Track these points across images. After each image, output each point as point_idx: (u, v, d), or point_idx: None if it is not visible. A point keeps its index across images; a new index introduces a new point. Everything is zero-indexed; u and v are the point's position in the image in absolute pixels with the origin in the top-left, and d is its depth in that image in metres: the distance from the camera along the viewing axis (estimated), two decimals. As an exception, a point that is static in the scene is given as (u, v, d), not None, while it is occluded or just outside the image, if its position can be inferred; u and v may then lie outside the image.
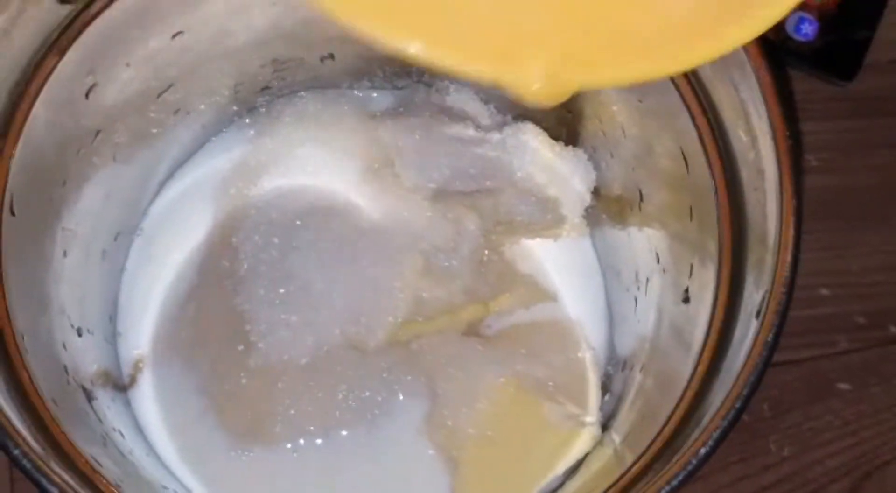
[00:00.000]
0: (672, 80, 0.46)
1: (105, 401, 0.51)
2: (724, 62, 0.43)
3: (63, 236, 0.49)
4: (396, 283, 0.56)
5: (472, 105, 0.59)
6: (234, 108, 0.59)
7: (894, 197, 0.67)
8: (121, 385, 0.55)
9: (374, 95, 0.61)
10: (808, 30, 0.66)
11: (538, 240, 0.59)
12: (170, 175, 0.59)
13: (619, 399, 0.55)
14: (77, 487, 0.38)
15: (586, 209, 0.58)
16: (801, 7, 0.66)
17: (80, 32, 0.44)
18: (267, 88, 0.59)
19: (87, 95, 0.47)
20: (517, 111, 0.60)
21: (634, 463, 0.43)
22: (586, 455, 0.54)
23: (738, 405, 0.38)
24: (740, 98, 0.43)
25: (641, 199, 0.54)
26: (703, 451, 0.38)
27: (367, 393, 0.56)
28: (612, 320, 0.59)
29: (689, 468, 0.38)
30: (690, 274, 0.48)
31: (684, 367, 0.45)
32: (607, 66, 0.31)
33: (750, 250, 0.44)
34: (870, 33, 0.66)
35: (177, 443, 0.55)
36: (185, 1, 0.48)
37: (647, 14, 0.31)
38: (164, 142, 0.56)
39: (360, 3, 0.30)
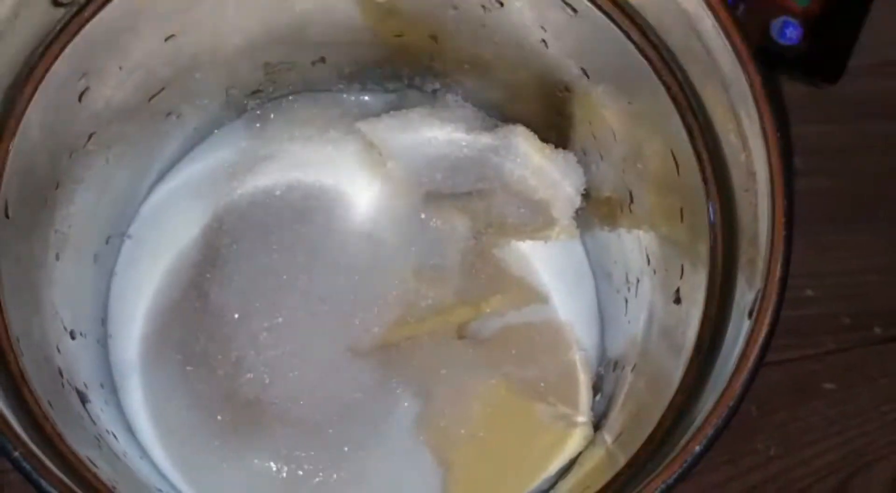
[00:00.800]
0: (662, 82, 0.47)
1: (98, 404, 0.51)
2: (713, 64, 0.44)
3: (56, 239, 0.49)
4: (388, 284, 0.56)
5: (462, 108, 0.59)
6: (226, 111, 0.59)
7: (878, 199, 0.68)
8: (112, 388, 0.55)
9: (366, 98, 0.61)
10: (793, 34, 0.67)
11: (529, 242, 0.59)
12: (160, 177, 0.59)
13: (611, 399, 0.55)
14: (75, 488, 0.38)
15: (577, 211, 0.58)
16: (785, 11, 0.67)
17: (73, 35, 0.44)
18: (259, 91, 0.59)
19: (80, 99, 0.47)
20: (508, 114, 0.60)
21: (627, 463, 0.44)
22: (579, 455, 0.54)
23: (731, 404, 0.39)
24: (731, 100, 0.44)
25: (632, 201, 0.54)
26: (697, 449, 0.39)
27: (359, 395, 0.56)
28: (602, 321, 0.60)
29: (684, 467, 0.39)
30: (681, 275, 0.49)
31: (676, 367, 0.45)
32: None
33: (741, 251, 0.44)
34: (853, 37, 0.67)
35: (167, 447, 0.55)
36: (179, 4, 0.48)
37: None
38: (156, 144, 0.56)
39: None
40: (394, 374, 0.56)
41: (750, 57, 0.41)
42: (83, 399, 0.49)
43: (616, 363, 0.56)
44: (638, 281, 0.54)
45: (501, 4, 0.51)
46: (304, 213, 0.58)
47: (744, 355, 0.39)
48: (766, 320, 0.40)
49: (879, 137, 0.69)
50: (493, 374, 0.56)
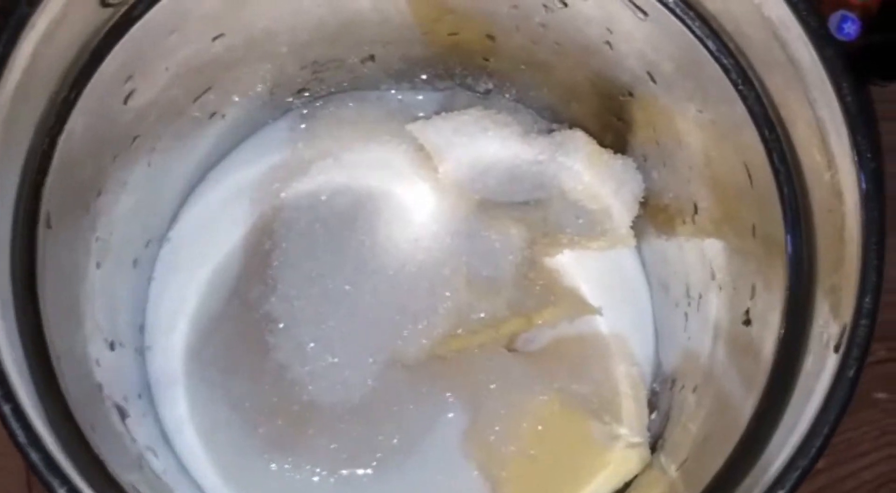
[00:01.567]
0: (739, 92, 0.44)
1: (136, 417, 0.49)
2: (797, 76, 0.41)
3: (97, 247, 0.47)
4: (439, 295, 0.54)
5: (516, 110, 0.57)
6: (270, 110, 0.57)
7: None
8: (150, 399, 0.53)
9: (415, 97, 0.59)
10: (851, 29, 0.64)
11: (583, 251, 0.57)
12: (202, 179, 0.57)
13: (668, 418, 0.53)
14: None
15: (634, 219, 0.56)
16: (843, 5, 0.64)
17: (121, 36, 0.42)
18: (304, 89, 0.57)
19: (125, 101, 0.45)
20: (561, 116, 0.58)
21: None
22: (634, 478, 0.52)
23: (818, 445, 0.37)
24: (816, 115, 0.41)
25: (696, 211, 0.52)
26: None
27: (407, 407, 0.54)
28: (657, 334, 0.57)
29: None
30: (752, 295, 0.46)
31: (746, 395, 0.43)
32: None
33: (823, 276, 0.42)
34: (913, 34, 0.64)
35: (213, 460, 0.53)
36: (228, 3, 0.46)
37: None
38: (199, 145, 0.54)
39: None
40: (442, 387, 0.55)
41: (844, 71, 0.39)
42: (122, 414, 0.47)
43: (674, 381, 0.54)
44: (700, 296, 0.52)
45: (565, 5, 0.48)
46: (351, 219, 0.56)
47: (832, 394, 0.37)
48: (857, 355, 0.37)
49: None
50: (544, 389, 0.54)
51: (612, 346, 0.57)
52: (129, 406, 0.49)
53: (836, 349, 0.39)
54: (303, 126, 0.58)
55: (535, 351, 0.56)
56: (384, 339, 0.54)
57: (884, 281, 0.63)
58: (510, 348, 0.56)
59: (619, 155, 0.55)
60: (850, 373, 0.37)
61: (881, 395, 0.63)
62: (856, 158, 0.39)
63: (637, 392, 0.55)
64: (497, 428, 0.54)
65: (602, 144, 0.56)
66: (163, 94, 0.48)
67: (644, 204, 0.56)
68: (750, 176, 0.45)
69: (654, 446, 0.53)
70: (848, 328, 0.38)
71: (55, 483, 0.35)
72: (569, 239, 0.56)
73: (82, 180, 0.45)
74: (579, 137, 0.54)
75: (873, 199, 0.38)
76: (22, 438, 0.37)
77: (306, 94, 0.57)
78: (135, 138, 0.48)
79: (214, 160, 0.57)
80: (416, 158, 0.56)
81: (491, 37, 0.53)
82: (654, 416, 0.55)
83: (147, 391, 0.54)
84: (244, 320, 0.55)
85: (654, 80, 0.49)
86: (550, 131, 0.56)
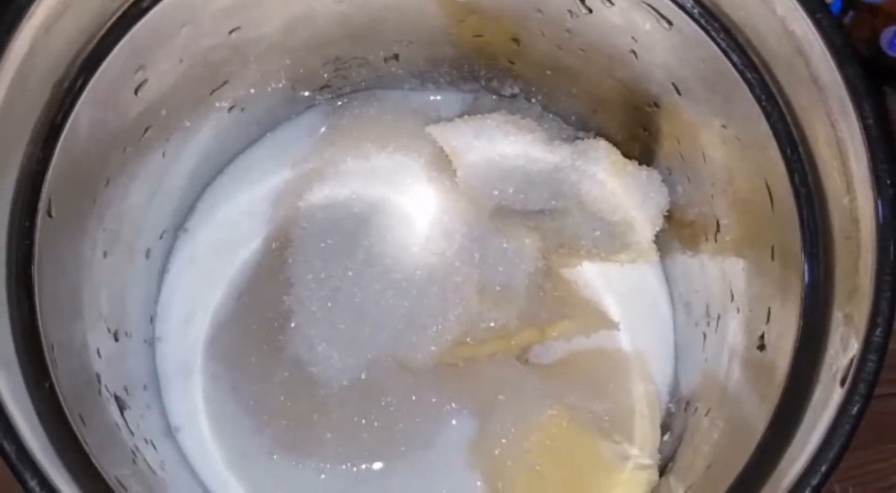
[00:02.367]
0: (762, 108, 0.42)
1: (139, 409, 0.49)
2: (820, 95, 0.40)
3: (104, 237, 0.47)
4: (449, 303, 0.53)
5: (541, 117, 0.56)
6: (291, 106, 0.57)
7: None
8: (157, 391, 0.53)
9: (438, 98, 0.58)
10: (905, 44, 0.62)
11: (607, 264, 0.55)
12: (220, 171, 0.57)
13: (680, 440, 0.51)
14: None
15: (657, 234, 0.54)
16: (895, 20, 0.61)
17: (128, 27, 0.41)
18: (326, 86, 0.56)
19: (136, 92, 0.45)
20: (588, 125, 0.56)
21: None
22: (640, 500, 0.50)
23: (814, 482, 0.35)
24: (837, 137, 0.39)
25: (718, 229, 0.50)
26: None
27: (413, 413, 0.54)
28: (676, 353, 0.55)
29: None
30: (768, 319, 0.44)
31: (756, 421, 0.41)
32: None
33: (837, 304, 0.40)
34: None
35: (221, 454, 0.53)
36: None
37: None
38: (216, 138, 0.54)
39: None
40: (450, 395, 0.54)
41: (866, 92, 0.37)
42: (121, 406, 0.47)
43: (688, 403, 0.52)
44: (719, 317, 0.50)
45: (590, 11, 0.47)
46: (365, 221, 0.55)
47: (833, 430, 0.35)
48: (863, 391, 0.35)
49: None
50: (554, 403, 0.53)
51: (632, 363, 0.55)
52: (131, 398, 0.48)
53: (843, 383, 0.37)
54: (325, 123, 0.57)
55: (549, 364, 0.55)
56: (393, 343, 0.53)
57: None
58: (522, 360, 0.54)
59: (644, 167, 0.53)
60: (854, 410, 0.36)
61: (911, 425, 0.61)
62: (874, 184, 0.37)
63: (652, 413, 0.54)
64: (504, 441, 0.53)
65: (629, 155, 0.54)
66: (177, 85, 0.47)
67: (669, 218, 0.54)
68: (771, 196, 0.44)
69: (664, 469, 0.51)
70: (856, 362, 0.37)
71: (27, 475, 0.34)
72: (587, 251, 0.54)
73: (88, 171, 0.44)
74: (602, 146, 0.53)
75: (890, 227, 0.36)
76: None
77: (328, 90, 0.57)
78: (147, 129, 0.47)
79: (234, 154, 0.57)
80: (436, 162, 0.55)
81: (516, 40, 0.52)
82: (666, 438, 0.53)
83: (154, 383, 0.53)
84: (257, 317, 0.55)
85: (678, 92, 0.48)
86: (575, 140, 0.55)
